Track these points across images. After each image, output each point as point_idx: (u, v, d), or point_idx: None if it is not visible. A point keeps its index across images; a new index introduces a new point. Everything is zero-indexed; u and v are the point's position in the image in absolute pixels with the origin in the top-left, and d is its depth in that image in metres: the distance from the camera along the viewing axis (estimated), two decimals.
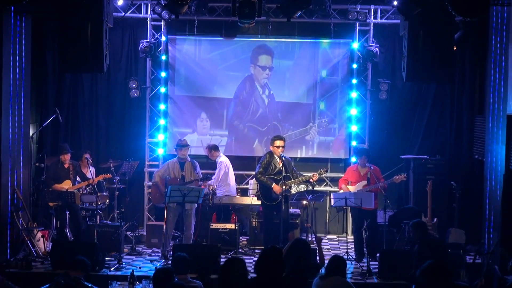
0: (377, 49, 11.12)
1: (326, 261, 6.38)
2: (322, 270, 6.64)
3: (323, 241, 11.00)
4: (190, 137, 11.54)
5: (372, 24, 11.24)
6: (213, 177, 10.43)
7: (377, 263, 8.86)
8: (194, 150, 11.52)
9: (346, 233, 10.85)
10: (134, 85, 11.19)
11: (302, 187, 10.37)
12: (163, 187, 9.84)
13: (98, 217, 10.05)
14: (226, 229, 9.89)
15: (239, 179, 11.49)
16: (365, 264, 8.88)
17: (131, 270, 6.87)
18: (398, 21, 10.04)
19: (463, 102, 11.33)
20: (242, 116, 11.57)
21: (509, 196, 8.96)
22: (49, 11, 9.53)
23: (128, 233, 10.26)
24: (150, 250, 10.05)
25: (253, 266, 9.18)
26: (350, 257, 9.39)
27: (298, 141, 11.59)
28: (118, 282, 6.83)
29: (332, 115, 11.61)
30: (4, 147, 9.19)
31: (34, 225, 9.56)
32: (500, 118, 9.30)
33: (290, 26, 10.97)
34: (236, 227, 9.87)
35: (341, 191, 9.72)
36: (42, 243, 9.33)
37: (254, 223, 10.23)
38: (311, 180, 9.41)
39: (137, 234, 10.34)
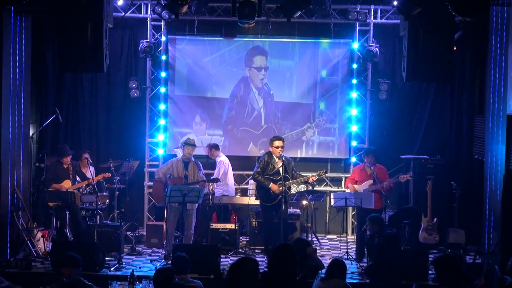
0: (377, 49, 11.12)
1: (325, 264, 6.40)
2: (322, 272, 6.66)
3: (323, 241, 11.02)
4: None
5: (372, 24, 11.25)
6: (211, 178, 10.42)
7: None
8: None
9: (346, 233, 10.86)
10: (134, 85, 11.19)
11: (302, 187, 10.37)
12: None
13: (98, 217, 10.05)
14: (226, 229, 9.89)
15: (239, 179, 11.49)
16: (365, 264, 8.87)
17: (131, 270, 6.87)
18: (398, 21, 10.03)
19: (463, 102, 11.34)
20: (238, 119, 11.57)
21: (509, 196, 8.95)
22: (49, 11, 9.52)
23: (128, 233, 10.26)
24: (150, 250, 10.05)
25: None
26: (350, 257, 9.39)
27: (298, 141, 11.60)
28: (118, 282, 6.84)
29: (332, 115, 11.61)
30: (4, 147, 9.19)
31: (34, 225, 9.56)
32: (500, 118, 9.30)
33: (290, 26, 10.97)
34: (236, 227, 9.87)
35: (348, 191, 9.71)
36: (42, 243, 9.33)
37: (254, 223, 10.22)
38: (309, 181, 9.39)
39: (137, 234, 10.34)
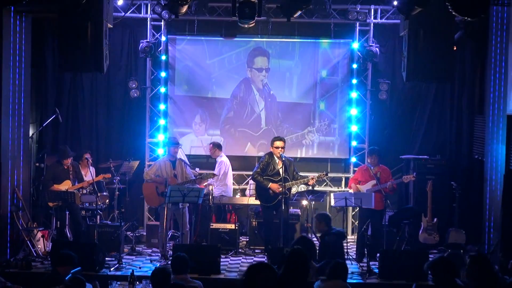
0: (377, 49, 11.12)
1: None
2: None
3: None
4: (190, 137, 11.56)
5: (372, 24, 11.24)
6: (208, 172, 10.42)
7: (377, 263, 8.86)
8: (193, 150, 11.55)
9: (346, 233, 10.84)
10: (134, 85, 11.18)
11: (302, 187, 10.36)
12: (162, 187, 9.71)
13: (98, 217, 10.05)
14: (226, 229, 9.89)
15: (239, 179, 11.49)
16: (365, 264, 8.87)
17: (131, 270, 6.86)
18: (398, 21, 10.03)
19: (463, 102, 11.33)
20: (236, 119, 11.56)
21: (509, 196, 8.96)
22: (49, 11, 9.52)
23: (128, 233, 10.26)
24: (150, 250, 10.06)
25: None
26: (350, 257, 9.39)
27: (298, 143, 11.59)
28: (118, 282, 6.84)
29: (332, 115, 11.60)
30: (4, 147, 9.19)
31: (34, 225, 9.56)
32: (500, 118, 9.31)
33: (290, 26, 10.96)
34: (236, 227, 9.86)
35: (351, 191, 9.71)
36: (42, 243, 9.33)
37: (254, 223, 10.22)
38: (309, 183, 9.37)
39: (137, 234, 10.34)
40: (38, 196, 10.42)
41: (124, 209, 9.73)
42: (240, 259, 9.48)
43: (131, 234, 10.04)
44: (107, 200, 10.61)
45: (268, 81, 11.55)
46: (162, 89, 11.49)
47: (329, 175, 11.29)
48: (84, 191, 10.06)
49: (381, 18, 11.19)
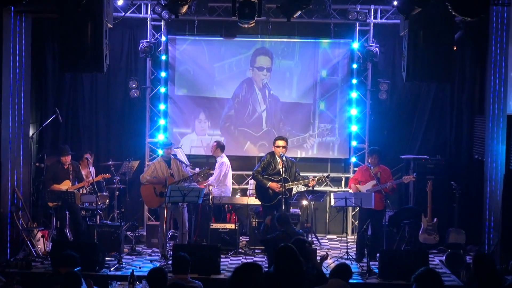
0: (377, 49, 11.12)
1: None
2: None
3: (322, 241, 11.02)
4: (190, 137, 11.56)
5: (372, 24, 11.24)
6: (210, 178, 10.43)
7: (377, 263, 8.86)
8: (194, 150, 11.55)
9: (346, 233, 10.85)
10: (134, 85, 11.18)
11: (302, 187, 10.36)
12: (159, 187, 9.70)
13: (98, 217, 10.05)
14: (226, 229, 9.89)
15: (239, 179, 11.48)
16: (365, 264, 8.87)
17: (131, 270, 6.86)
18: (398, 21, 10.03)
19: (463, 102, 11.34)
20: (237, 118, 11.56)
21: (509, 196, 8.97)
22: (49, 11, 9.53)
23: (128, 233, 10.26)
24: (150, 250, 10.06)
25: None
26: (350, 257, 9.39)
27: (299, 144, 11.59)
28: (118, 282, 6.84)
29: (332, 115, 11.60)
30: (4, 147, 9.19)
31: (34, 225, 9.56)
32: (500, 118, 9.32)
33: (290, 26, 10.95)
34: (236, 227, 9.87)
35: (351, 191, 9.71)
36: (42, 243, 9.33)
37: (254, 223, 10.22)
38: (309, 184, 9.35)
39: (137, 234, 10.34)
40: (38, 196, 10.42)
41: (124, 209, 9.74)
42: (240, 259, 9.48)
43: (131, 234, 10.04)
44: (107, 200, 10.62)
45: (268, 81, 11.55)
46: (162, 89, 11.49)
47: (330, 175, 11.26)
48: (84, 191, 10.07)
49: (381, 18, 11.19)
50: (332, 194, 9.89)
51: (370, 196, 9.29)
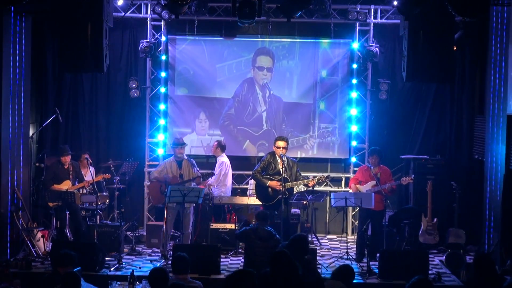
0: (377, 49, 11.12)
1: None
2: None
3: (323, 241, 11.01)
4: (190, 137, 11.54)
5: (372, 24, 11.24)
6: (210, 178, 10.42)
7: (377, 263, 8.86)
8: (194, 150, 11.54)
9: (346, 233, 10.86)
10: (134, 85, 11.18)
11: (302, 187, 10.36)
12: (164, 185, 9.77)
13: (98, 217, 10.05)
14: (226, 229, 9.89)
15: (239, 179, 11.48)
16: (365, 264, 8.87)
17: (131, 270, 6.87)
18: (398, 21, 10.04)
19: (463, 102, 11.33)
20: (237, 117, 11.55)
21: (509, 196, 8.97)
22: (49, 11, 9.53)
23: (128, 233, 10.26)
24: (150, 250, 10.05)
25: None
26: (350, 257, 9.39)
27: (299, 145, 11.59)
28: (118, 282, 6.84)
29: (332, 115, 11.60)
30: (4, 147, 9.19)
31: (34, 225, 9.56)
32: (500, 118, 9.32)
33: (290, 26, 10.96)
34: (236, 227, 9.86)
35: (351, 190, 9.70)
36: (42, 243, 9.33)
37: (254, 223, 10.19)
38: (309, 184, 9.35)
39: (137, 234, 10.33)
40: (38, 196, 10.41)
41: (124, 209, 9.72)
42: (240, 259, 9.47)
43: (131, 234, 10.04)
44: (107, 200, 10.62)
45: (268, 82, 11.55)
46: (162, 89, 11.49)
47: (330, 176, 11.26)
48: (84, 191, 10.07)
49: (381, 18, 11.19)
50: (332, 194, 9.87)
51: (370, 196, 9.29)
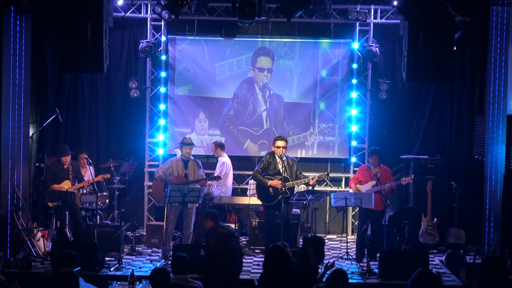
0: (377, 49, 11.12)
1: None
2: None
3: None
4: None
5: (372, 24, 11.24)
6: (212, 176, 10.43)
7: (377, 263, 8.86)
8: (194, 150, 11.50)
9: (346, 233, 10.86)
10: (134, 85, 11.19)
11: (302, 187, 10.36)
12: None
13: (98, 217, 10.05)
14: None
15: (239, 179, 11.48)
16: (365, 264, 8.87)
17: (131, 270, 6.87)
18: (398, 21, 10.03)
19: (463, 102, 11.34)
20: (237, 118, 11.55)
21: (509, 196, 8.97)
22: (49, 11, 9.53)
23: (128, 233, 10.26)
24: (150, 250, 10.05)
25: (252, 266, 9.23)
26: (350, 257, 9.39)
27: (300, 143, 11.59)
28: (118, 282, 6.83)
29: (332, 115, 11.60)
30: (4, 147, 9.19)
31: (34, 225, 9.56)
32: (500, 118, 9.32)
33: (290, 26, 10.97)
34: (236, 227, 9.85)
35: (351, 190, 9.70)
36: (42, 243, 9.33)
37: (254, 223, 10.22)
38: (310, 183, 9.36)
39: (137, 234, 10.33)
40: (38, 196, 10.42)
41: (124, 209, 9.73)
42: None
43: (131, 234, 10.04)
44: (107, 200, 10.62)
45: (268, 82, 11.55)
46: (162, 89, 11.49)
47: (330, 175, 11.27)
48: (84, 191, 10.07)
49: (381, 18, 11.20)
50: (332, 194, 9.88)
51: (370, 196, 9.29)
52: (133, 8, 11.00)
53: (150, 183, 11.07)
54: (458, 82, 11.18)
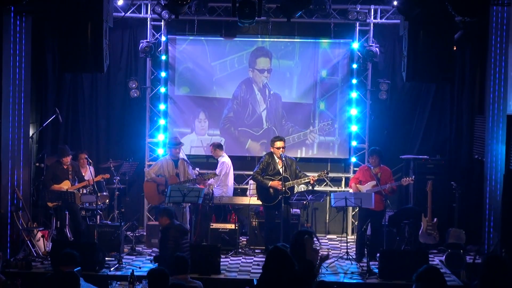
0: (377, 49, 11.12)
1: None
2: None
3: (323, 241, 11.01)
4: (190, 137, 11.55)
5: (372, 24, 11.24)
6: (209, 172, 10.43)
7: (377, 263, 8.86)
8: (194, 150, 11.54)
9: (346, 233, 10.85)
10: (134, 85, 11.19)
11: (302, 187, 10.36)
12: (162, 186, 9.82)
13: (98, 217, 10.05)
14: (226, 229, 9.89)
15: (239, 179, 11.48)
16: (365, 264, 8.87)
17: (131, 270, 6.86)
18: (398, 21, 10.04)
19: (463, 102, 11.34)
20: (237, 119, 11.55)
21: (509, 196, 8.96)
22: (49, 11, 9.53)
23: (128, 233, 10.26)
24: (150, 250, 10.05)
25: (252, 266, 9.23)
26: (350, 257, 9.39)
27: (299, 142, 11.59)
28: (118, 282, 6.84)
29: (332, 115, 11.60)
30: (4, 147, 9.19)
31: (34, 225, 9.56)
32: (500, 118, 9.32)
33: (290, 26, 10.97)
34: (236, 227, 9.87)
35: (351, 190, 9.70)
36: (42, 243, 9.33)
37: (254, 223, 10.22)
38: (310, 181, 9.37)
39: (137, 234, 10.34)
40: (38, 196, 10.42)
41: (124, 209, 9.73)
42: (240, 259, 9.48)
43: (131, 234, 10.04)
44: (107, 200, 10.62)
45: (268, 82, 11.55)
46: (162, 89, 11.49)
47: (329, 175, 11.27)
48: (84, 191, 10.07)
49: (381, 18, 11.19)
50: (332, 194, 9.87)
51: (370, 196, 9.28)
52: (133, 8, 11.00)
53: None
54: (458, 82, 11.18)
